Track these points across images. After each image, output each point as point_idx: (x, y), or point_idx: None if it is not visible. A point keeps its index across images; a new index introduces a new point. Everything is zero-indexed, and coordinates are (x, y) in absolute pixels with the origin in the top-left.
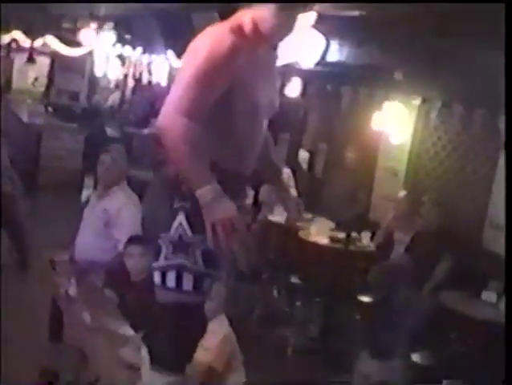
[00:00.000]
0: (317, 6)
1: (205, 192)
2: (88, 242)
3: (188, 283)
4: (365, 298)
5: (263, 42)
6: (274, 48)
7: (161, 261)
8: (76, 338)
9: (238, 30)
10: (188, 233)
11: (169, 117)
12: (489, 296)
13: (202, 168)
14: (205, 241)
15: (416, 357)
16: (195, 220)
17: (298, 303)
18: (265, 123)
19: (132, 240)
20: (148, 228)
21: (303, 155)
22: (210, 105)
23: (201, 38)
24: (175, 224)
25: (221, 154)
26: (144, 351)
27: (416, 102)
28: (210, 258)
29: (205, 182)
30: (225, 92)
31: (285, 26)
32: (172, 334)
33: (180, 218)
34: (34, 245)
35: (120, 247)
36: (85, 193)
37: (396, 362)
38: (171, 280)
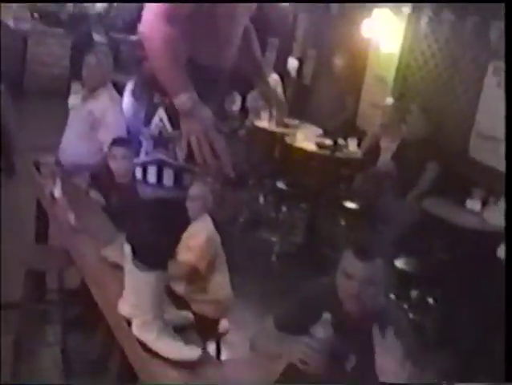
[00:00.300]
0: None
1: (184, 99)
2: (73, 144)
3: (168, 178)
4: (350, 204)
5: None
6: None
7: (142, 157)
8: (61, 239)
9: None
10: (168, 128)
11: (150, 23)
12: (473, 204)
13: (181, 75)
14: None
15: (399, 263)
16: (175, 115)
17: (283, 208)
18: (244, 15)
19: (115, 141)
20: (131, 126)
21: (292, 62)
22: (191, 6)
23: None
24: (155, 119)
25: (196, 49)
26: (127, 249)
27: (407, 9)
28: (191, 153)
29: (183, 89)
30: None
31: None
32: (153, 229)
33: (160, 113)
34: (20, 148)
35: (105, 149)
36: (72, 98)
37: (379, 264)
38: (151, 175)
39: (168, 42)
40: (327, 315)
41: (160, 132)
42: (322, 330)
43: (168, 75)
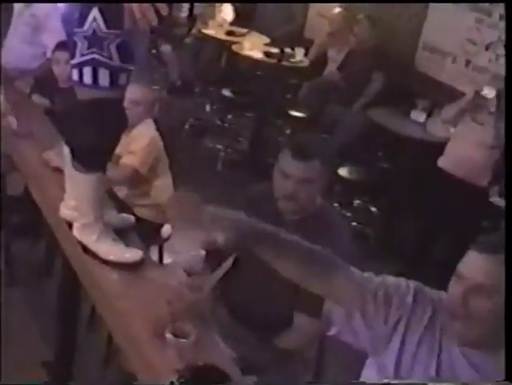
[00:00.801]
0: None
1: None
2: (16, 48)
3: (104, 79)
4: (296, 113)
5: None
6: None
7: (77, 58)
8: (3, 144)
9: None
10: (103, 27)
11: None
12: (417, 115)
13: None
14: (119, 35)
15: (343, 171)
16: (110, 14)
17: (229, 116)
18: None
19: (59, 46)
20: (68, 29)
21: None
22: None
23: None
24: (89, 18)
25: None
26: (66, 151)
27: None
28: (127, 54)
29: None
30: None
31: None
32: (90, 130)
33: (94, 12)
34: None
35: (49, 53)
36: (17, 5)
37: (317, 164)
38: (87, 76)
39: None
40: None
41: (94, 31)
42: None
43: None
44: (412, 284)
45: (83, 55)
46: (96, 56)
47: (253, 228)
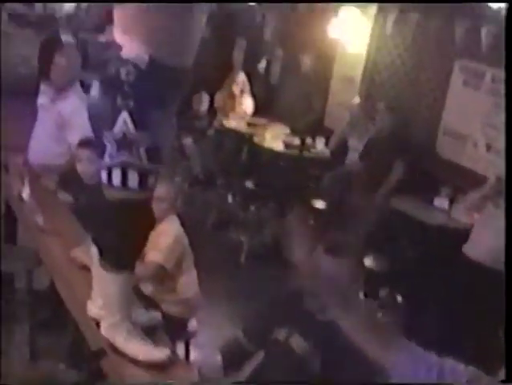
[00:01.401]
0: None
1: None
2: (42, 145)
3: (133, 180)
4: (319, 204)
5: None
6: None
7: (106, 160)
8: (30, 240)
9: None
10: (132, 130)
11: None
12: (441, 202)
13: None
14: (149, 138)
15: (368, 261)
16: (139, 117)
17: (252, 208)
18: (202, 18)
19: (81, 143)
20: (96, 128)
21: (262, 63)
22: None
23: None
24: (119, 121)
25: (156, 48)
26: (94, 250)
27: (373, 10)
28: (155, 155)
29: None
30: None
31: None
32: (119, 231)
33: (124, 115)
34: None
35: (73, 150)
36: (41, 99)
37: (347, 261)
38: (116, 177)
39: None
40: None
41: (124, 134)
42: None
43: None
44: (469, 369)
45: (112, 157)
46: (126, 158)
47: None
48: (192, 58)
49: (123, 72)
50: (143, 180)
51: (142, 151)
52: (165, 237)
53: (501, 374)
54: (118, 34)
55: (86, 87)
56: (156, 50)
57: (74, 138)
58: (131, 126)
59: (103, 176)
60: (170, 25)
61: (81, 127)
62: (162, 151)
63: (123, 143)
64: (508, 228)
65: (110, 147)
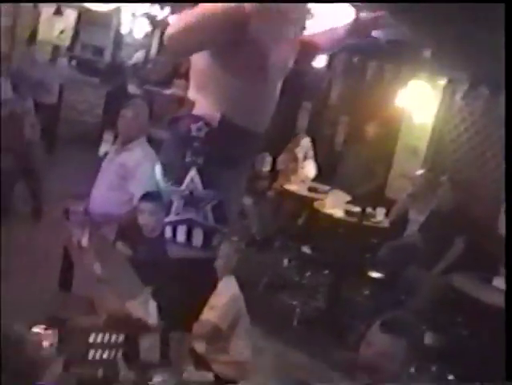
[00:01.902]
0: None
1: None
2: (103, 195)
3: (197, 238)
4: (375, 274)
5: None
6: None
7: (172, 216)
8: (86, 289)
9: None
10: (200, 188)
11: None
12: (500, 282)
13: None
14: (216, 196)
15: (426, 338)
16: (207, 175)
17: (307, 273)
18: (278, 84)
19: (145, 197)
20: (161, 183)
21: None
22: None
23: None
24: (187, 179)
25: (231, 108)
26: (153, 306)
27: (442, 82)
28: (221, 214)
29: None
30: (233, 46)
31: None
32: (181, 289)
33: (192, 173)
34: (50, 194)
35: (135, 202)
36: (103, 148)
37: (406, 340)
38: (181, 235)
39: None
40: None
41: (192, 192)
42: None
43: None
44: None
45: (178, 214)
46: (192, 216)
47: None
48: (266, 123)
49: (194, 128)
50: (207, 239)
51: (208, 209)
52: (221, 297)
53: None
54: (192, 90)
55: (153, 141)
56: (229, 110)
57: (137, 190)
58: (199, 184)
59: (168, 231)
60: (245, 86)
61: (145, 181)
62: (228, 211)
63: (191, 200)
64: (508, 229)
65: (176, 204)
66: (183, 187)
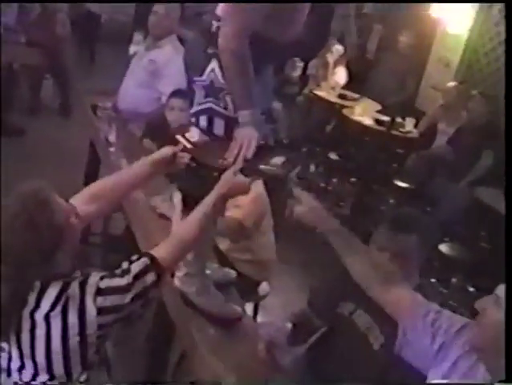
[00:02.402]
0: None
1: (245, 114)
2: (132, 92)
3: (219, 128)
4: (401, 183)
5: None
6: None
7: (195, 106)
8: None
9: None
10: (220, 78)
11: (226, 37)
12: None
13: (246, 92)
14: None
15: (443, 247)
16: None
17: (334, 179)
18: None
19: (175, 93)
20: (188, 78)
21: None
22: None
23: None
24: (208, 69)
25: (261, 27)
26: (178, 198)
27: None
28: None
29: (246, 106)
30: None
31: None
32: (203, 182)
33: (213, 64)
34: (79, 91)
35: (164, 99)
36: (133, 48)
37: (415, 238)
38: (203, 123)
39: (238, 58)
40: None
41: (212, 82)
42: None
43: (236, 89)
44: (463, 320)
45: (200, 104)
46: (213, 106)
47: None
48: (293, 36)
49: (214, 25)
50: (228, 129)
51: (229, 100)
52: (247, 195)
53: (501, 374)
54: None
55: (181, 41)
56: (260, 27)
57: (166, 87)
58: (219, 74)
59: (192, 121)
60: (276, 12)
61: (175, 78)
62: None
63: (211, 90)
64: (508, 232)
65: (198, 94)
66: (204, 77)
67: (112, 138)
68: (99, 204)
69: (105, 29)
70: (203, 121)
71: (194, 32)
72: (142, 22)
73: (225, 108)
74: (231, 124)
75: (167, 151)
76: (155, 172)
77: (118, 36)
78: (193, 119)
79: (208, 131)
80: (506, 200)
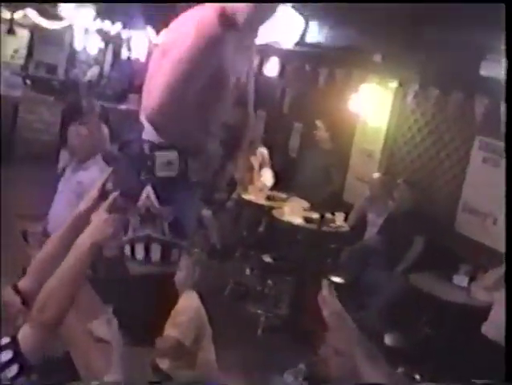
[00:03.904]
0: None
1: None
2: (62, 215)
3: (156, 254)
4: (337, 278)
5: (245, 28)
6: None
7: (130, 234)
8: None
9: (223, 18)
10: (156, 204)
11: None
12: (460, 280)
13: None
14: (172, 212)
15: (386, 339)
16: (162, 192)
17: (269, 281)
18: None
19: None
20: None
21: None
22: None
23: (184, 20)
24: (142, 196)
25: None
26: (115, 324)
27: (393, 84)
28: (178, 228)
29: None
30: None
31: (265, 14)
32: (142, 306)
33: (148, 190)
34: (7, 215)
35: None
36: (61, 166)
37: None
38: (139, 252)
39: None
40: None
41: (148, 208)
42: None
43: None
44: None
45: (135, 231)
46: (149, 232)
47: None
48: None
49: (146, 147)
50: (166, 254)
51: (165, 225)
52: (184, 313)
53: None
54: (142, 117)
55: (109, 158)
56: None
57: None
58: (154, 200)
59: (127, 249)
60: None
61: None
62: (186, 224)
63: (147, 217)
64: (508, 237)
65: (133, 221)
66: (139, 204)
67: None
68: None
69: (32, 149)
70: (139, 249)
71: (124, 155)
72: (67, 141)
73: (163, 234)
74: (169, 250)
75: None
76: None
77: (44, 156)
78: (128, 247)
79: (144, 258)
80: (507, 203)
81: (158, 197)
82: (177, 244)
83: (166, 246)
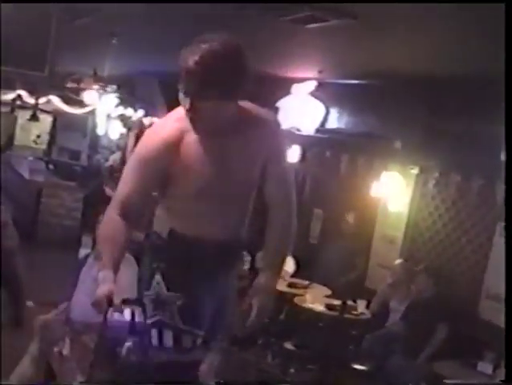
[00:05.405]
0: (317, 73)
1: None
2: (84, 303)
3: (167, 339)
4: (359, 366)
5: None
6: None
7: (147, 320)
8: None
9: (180, 120)
10: (164, 290)
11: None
12: (485, 367)
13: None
14: (180, 298)
15: None
16: (170, 278)
17: (291, 370)
18: (237, 195)
19: (124, 302)
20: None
21: None
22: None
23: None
24: (153, 283)
25: (178, 222)
26: None
27: (414, 171)
28: (189, 315)
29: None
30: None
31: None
32: None
33: (157, 277)
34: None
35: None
36: (82, 252)
37: None
38: (154, 338)
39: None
40: None
41: (158, 294)
42: None
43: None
44: None
45: (149, 318)
46: (160, 317)
47: None
48: (221, 233)
49: (153, 238)
50: (178, 340)
51: (174, 310)
52: None
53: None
54: None
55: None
56: (176, 224)
57: (116, 298)
58: (163, 286)
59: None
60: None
61: (124, 288)
62: (197, 312)
63: (158, 303)
64: (508, 239)
65: (147, 307)
66: (151, 291)
67: (66, 351)
68: None
69: (54, 233)
70: (154, 335)
71: (145, 242)
72: (89, 226)
73: (173, 320)
74: (179, 336)
75: None
76: None
77: (66, 242)
78: (145, 335)
79: (158, 344)
80: (506, 203)
81: (167, 284)
82: (190, 331)
83: (177, 332)
